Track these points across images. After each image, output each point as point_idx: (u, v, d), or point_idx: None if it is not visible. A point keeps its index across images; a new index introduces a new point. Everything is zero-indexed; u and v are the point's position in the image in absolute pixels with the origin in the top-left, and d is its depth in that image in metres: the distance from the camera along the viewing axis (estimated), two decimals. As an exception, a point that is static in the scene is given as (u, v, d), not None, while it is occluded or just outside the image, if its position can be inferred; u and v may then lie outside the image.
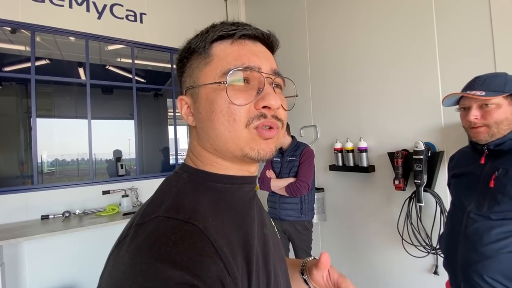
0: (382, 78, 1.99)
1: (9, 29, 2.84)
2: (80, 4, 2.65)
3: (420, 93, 1.74)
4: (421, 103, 1.75)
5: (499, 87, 0.92)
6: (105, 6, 2.76)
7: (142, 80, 4.76)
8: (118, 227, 2.20)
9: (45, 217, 2.32)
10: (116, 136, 5.39)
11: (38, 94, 2.53)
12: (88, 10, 2.68)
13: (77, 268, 2.42)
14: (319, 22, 2.52)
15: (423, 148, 1.63)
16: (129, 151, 5.39)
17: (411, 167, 1.71)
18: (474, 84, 0.97)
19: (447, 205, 1.60)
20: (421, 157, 1.63)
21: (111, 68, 4.57)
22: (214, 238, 0.34)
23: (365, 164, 2.05)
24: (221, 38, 0.42)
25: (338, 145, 2.25)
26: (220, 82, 0.40)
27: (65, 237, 2.29)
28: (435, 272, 1.68)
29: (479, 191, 0.98)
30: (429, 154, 1.65)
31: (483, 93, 0.93)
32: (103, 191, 2.58)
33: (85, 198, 2.56)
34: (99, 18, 2.73)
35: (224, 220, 0.38)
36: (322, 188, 2.51)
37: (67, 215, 2.35)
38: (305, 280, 0.56)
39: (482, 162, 1.00)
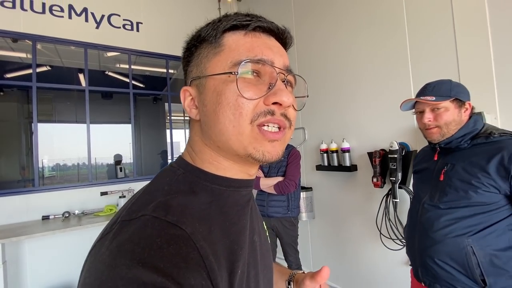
0: (361, 82, 2.12)
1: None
2: (79, 15, 2.79)
3: (395, 95, 1.87)
4: (396, 105, 1.86)
5: (446, 92, 1.04)
6: (103, 16, 2.90)
7: (141, 85, 4.88)
8: (115, 226, 2.30)
9: (45, 218, 2.43)
10: (117, 140, 5.49)
11: (39, 99, 2.66)
12: (86, 20, 2.82)
13: (76, 266, 2.52)
14: (305, 30, 2.66)
15: (398, 148, 1.75)
16: (130, 155, 5.49)
17: (388, 165, 1.83)
18: (426, 90, 1.09)
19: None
20: (396, 156, 1.75)
21: (110, 73, 4.71)
22: (201, 245, 0.32)
23: (348, 164, 2.17)
24: (234, 28, 0.40)
25: (324, 146, 2.37)
26: (230, 73, 0.38)
27: (64, 236, 2.41)
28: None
29: (432, 184, 1.10)
30: (403, 153, 1.77)
31: (434, 98, 1.05)
32: (101, 192, 2.70)
33: (84, 199, 2.68)
34: (97, 27, 2.87)
35: (213, 226, 0.36)
36: (311, 188, 2.63)
37: (67, 215, 2.46)
38: None
39: (435, 158, 1.13)
